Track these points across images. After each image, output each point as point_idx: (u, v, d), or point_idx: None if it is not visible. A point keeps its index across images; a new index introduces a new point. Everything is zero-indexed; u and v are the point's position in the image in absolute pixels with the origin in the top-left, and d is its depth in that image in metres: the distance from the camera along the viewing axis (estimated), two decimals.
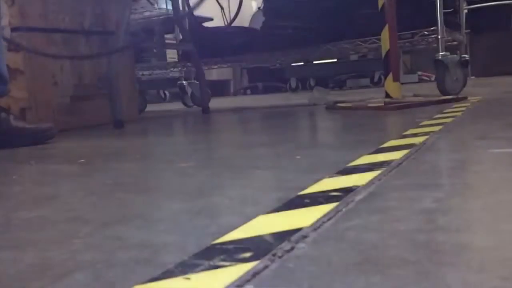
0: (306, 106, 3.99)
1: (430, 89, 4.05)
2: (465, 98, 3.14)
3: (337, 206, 0.79)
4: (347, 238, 0.64)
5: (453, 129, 1.77)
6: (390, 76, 3.18)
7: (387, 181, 0.96)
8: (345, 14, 3.86)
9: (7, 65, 2.36)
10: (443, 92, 3.46)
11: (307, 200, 0.85)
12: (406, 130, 1.73)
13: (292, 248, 0.62)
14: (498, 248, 0.57)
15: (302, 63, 7.67)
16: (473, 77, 6.59)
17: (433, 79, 5.06)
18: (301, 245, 0.63)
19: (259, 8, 7.52)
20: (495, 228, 0.65)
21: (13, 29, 2.76)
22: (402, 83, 3.45)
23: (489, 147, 1.28)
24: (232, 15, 4.74)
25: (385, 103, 3.05)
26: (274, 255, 0.60)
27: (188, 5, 4.53)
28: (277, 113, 3.52)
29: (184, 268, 0.58)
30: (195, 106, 5.03)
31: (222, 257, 0.60)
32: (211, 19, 5.75)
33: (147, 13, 5.40)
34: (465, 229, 0.65)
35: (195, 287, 0.52)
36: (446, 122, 1.92)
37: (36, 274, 0.60)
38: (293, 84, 8.21)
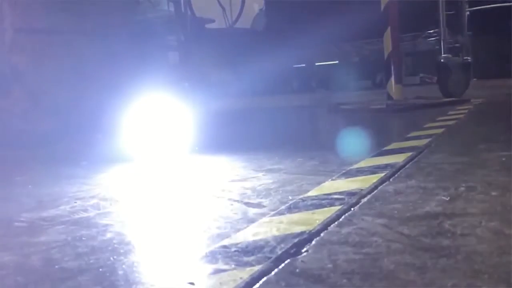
0: (308, 107, 3.99)
1: (432, 91, 4.05)
2: (468, 100, 3.13)
3: (341, 210, 0.79)
4: (351, 241, 0.64)
5: (457, 131, 1.76)
6: (392, 78, 3.18)
7: (390, 184, 0.96)
8: (347, 16, 3.86)
9: (10, 66, 2.36)
10: (446, 94, 3.46)
11: (310, 203, 0.85)
12: (409, 133, 1.73)
13: (296, 252, 0.61)
14: (504, 253, 0.57)
15: (304, 65, 7.67)
16: (474, 79, 6.57)
17: (435, 81, 5.06)
18: (305, 248, 0.62)
19: (261, 9, 7.52)
20: (500, 233, 0.64)
21: (16, 31, 2.76)
22: (404, 85, 3.44)
23: (493, 150, 1.28)
24: (234, 16, 4.74)
25: (387, 105, 3.04)
26: (278, 258, 0.59)
27: (190, 6, 4.53)
28: (278, 114, 3.51)
29: (188, 272, 0.58)
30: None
31: (226, 260, 0.60)
32: (213, 21, 5.75)
33: (149, 15, 5.40)
34: (470, 233, 0.65)
35: None
36: (449, 125, 1.92)
37: (38, 276, 0.60)
38: (295, 86, 8.21)
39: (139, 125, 1.95)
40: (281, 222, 0.75)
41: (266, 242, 0.65)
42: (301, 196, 0.90)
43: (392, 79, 3.18)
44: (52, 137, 2.36)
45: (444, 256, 0.56)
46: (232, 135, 2.38)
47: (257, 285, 0.52)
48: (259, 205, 0.87)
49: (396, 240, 0.63)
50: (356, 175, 1.06)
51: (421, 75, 7.93)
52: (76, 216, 0.90)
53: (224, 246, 0.65)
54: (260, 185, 1.06)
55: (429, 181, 0.97)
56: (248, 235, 0.69)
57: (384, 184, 0.96)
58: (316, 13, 4.01)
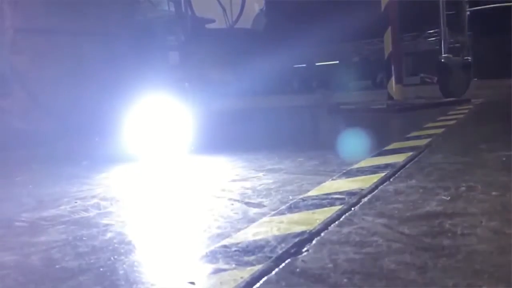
0: (308, 107, 3.99)
1: (432, 91, 4.05)
2: (468, 100, 3.13)
3: (341, 209, 0.79)
4: (351, 241, 0.64)
5: (457, 131, 1.76)
6: (392, 78, 3.17)
7: (391, 184, 0.96)
8: (348, 16, 3.86)
9: (10, 66, 2.36)
10: (446, 94, 3.45)
11: (311, 203, 0.85)
12: (409, 132, 1.73)
13: (297, 251, 0.61)
14: (505, 252, 0.57)
15: (304, 65, 7.68)
16: (475, 79, 6.56)
17: (435, 81, 5.06)
18: (305, 248, 0.62)
19: (261, 9, 7.52)
20: (501, 232, 0.64)
21: (16, 31, 2.76)
22: (404, 85, 3.44)
23: (493, 149, 1.28)
24: (234, 16, 4.74)
25: (388, 105, 3.04)
26: (278, 258, 0.59)
27: (191, 6, 4.53)
28: (279, 114, 3.51)
29: (189, 271, 0.58)
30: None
31: (226, 260, 0.60)
32: (214, 21, 5.75)
33: (149, 15, 5.40)
34: (471, 233, 0.65)
35: None
36: (449, 125, 1.92)
37: (38, 275, 0.60)
38: (296, 86, 8.21)
39: (139, 125, 1.95)
40: (281, 222, 0.75)
41: (267, 241, 0.65)
42: (301, 196, 0.90)
43: (393, 79, 3.18)
44: (52, 137, 2.37)
45: (444, 255, 0.56)
46: (232, 135, 2.38)
47: (258, 284, 0.52)
48: (259, 205, 0.87)
49: (396, 240, 0.63)
50: (356, 175, 1.06)
51: (422, 75, 7.92)
52: (77, 216, 0.90)
53: (225, 246, 0.65)
54: (260, 185, 1.06)
55: (430, 181, 0.97)
56: (249, 234, 0.69)
57: (384, 184, 0.96)
58: (317, 13, 4.01)
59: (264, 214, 0.80)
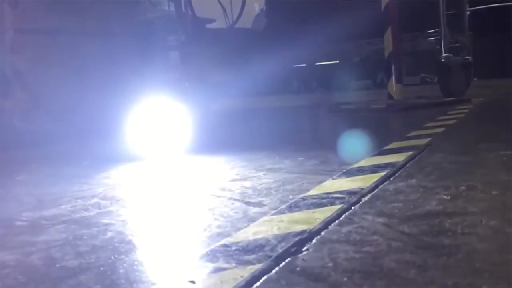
0: (308, 107, 3.99)
1: (433, 91, 4.05)
2: (468, 100, 3.13)
3: (341, 209, 0.79)
4: (351, 240, 0.64)
5: (457, 131, 1.76)
6: (392, 78, 3.17)
7: (391, 183, 0.96)
8: (348, 16, 3.86)
9: (10, 66, 2.36)
10: (446, 94, 3.46)
11: (311, 202, 0.85)
12: (409, 132, 1.73)
13: (297, 250, 0.61)
14: (505, 251, 0.57)
15: (304, 65, 7.68)
16: (475, 79, 6.55)
17: (435, 80, 5.06)
18: (305, 247, 0.62)
19: (261, 9, 7.52)
20: (501, 231, 0.64)
21: (17, 31, 2.76)
22: (405, 85, 3.44)
23: (493, 149, 1.28)
24: (234, 16, 4.74)
25: (388, 104, 3.04)
26: (278, 257, 0.60)
27: (191, 6, 4.53)
28: (279, 114, 3.51)
29: (189, 270, 0.58)
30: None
31: (226, 259, 0.60)
32: (214, 21, 5.75)
33: (149, 15, 5.39)
34: (471, 232, 0.65)
35: None
36: (449, 124, 1.92)
37: (39, 274, 0.60)
38: (296, 86, 8.22)
39: (139, 125, 1.95)
40: (281, 221, 0.75)
41: (267, 240, 0.65)
42: (301, 195, 0.90)
43: (393, 79, 3.18)
44: (52, 137, 2.37)
45: (444, 254, 0.56)
46: (232, 135, 2.38)
47: (258, 283, 0.52)
48: (259, 204, 0.87)
49: (396, 239, 0.63)
50: (356, 174, 1.06)
51: (422, 74, 7.91)
52: (77, 215, 0.90)
53: (225, 245, 0.65)
54: (260, 184, 1.06)
55: (430, 180, 0.97)
56: (249, 234, 0.70)
57: (384, 183, 0.96)
58: (317, 13, 4.01)
59: (264, 213, 0.80)
